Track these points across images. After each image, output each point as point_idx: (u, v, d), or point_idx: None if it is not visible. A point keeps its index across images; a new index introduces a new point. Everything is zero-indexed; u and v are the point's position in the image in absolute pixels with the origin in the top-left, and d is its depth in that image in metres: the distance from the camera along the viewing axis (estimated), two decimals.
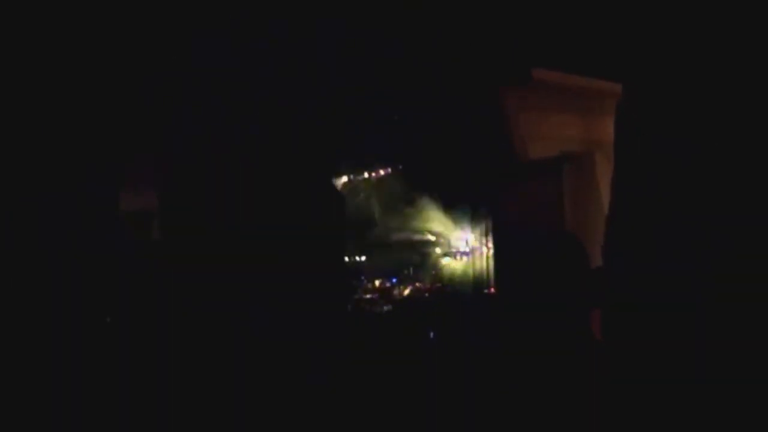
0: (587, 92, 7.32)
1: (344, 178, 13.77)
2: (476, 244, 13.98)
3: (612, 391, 3.68)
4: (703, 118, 4.15)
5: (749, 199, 3.95)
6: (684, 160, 4.15)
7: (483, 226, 13.21)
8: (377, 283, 13.71)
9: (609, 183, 4.84)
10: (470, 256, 14.28)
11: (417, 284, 13.86)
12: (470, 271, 14.11)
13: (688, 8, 4.34)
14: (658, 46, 4.44)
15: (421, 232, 14.75)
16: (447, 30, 6.69)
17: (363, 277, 13.72)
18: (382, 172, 13.92)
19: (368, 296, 12.65)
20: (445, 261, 14.77)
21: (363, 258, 14.67)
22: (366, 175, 14.02)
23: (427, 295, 13.41)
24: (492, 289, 11.27)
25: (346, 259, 14.35)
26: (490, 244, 12.10)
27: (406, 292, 13.57)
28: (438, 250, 14.86)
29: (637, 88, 4.59)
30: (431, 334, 7.55)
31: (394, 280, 13.93)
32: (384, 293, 13.07)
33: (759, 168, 3.95)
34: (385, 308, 11.59)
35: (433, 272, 14.53)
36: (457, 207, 13.78)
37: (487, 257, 12.81)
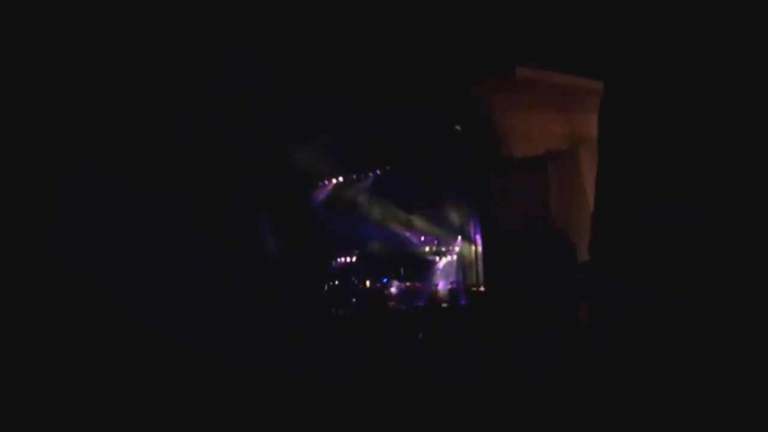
0: (570, 90, 7.42)
1: (333, 180, 13.82)
2: (464, 242, 14.06)
3: (598, 382, 3.75)
4: (683, 114, 4.24)
5: (730, 191, 4.04)
6: (666, 154, 4.23)
7: (471, 224, 13.29)
8: (367, 283, 13.74)
9: (593, 179, 4.91)
10: (458, 254, 14.36)
11: (407, 284, 13.90)
12: (459, 269, 14.20)
13: (666, 8, 4.42)
14: (637, 44, 4.52)
15: (410, 231, 14.81)
16: (431, 30, 6.74)
17: (354, 279, 13.75)
18: (369, 174, 13.97)
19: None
20: (434, 259, 14.84)
21: (353, 259, 14.71)
22: (354, 176, 14.06)
23: (416, 294, 13.47)
24: (481, 287, 11.36)
25: (338, 260, 14.43)
26: (479, 242, 12.20)
27: (394, 290, 13.62)
28: (427, 249, 14.92)
29: (619, 86, 4.67)
30: (420, 335, 7.56)
31: (384, 280, 13.96)
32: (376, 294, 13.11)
33: (738, 162, 4.04)
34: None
35: (423, 271, 14.59)
36: (444, 205, 13.85)
37: (475, 254, 12.90)
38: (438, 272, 14.64)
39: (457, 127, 7.94)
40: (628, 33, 4.53)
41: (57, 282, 4.00)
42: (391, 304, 12.50)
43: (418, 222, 14.60)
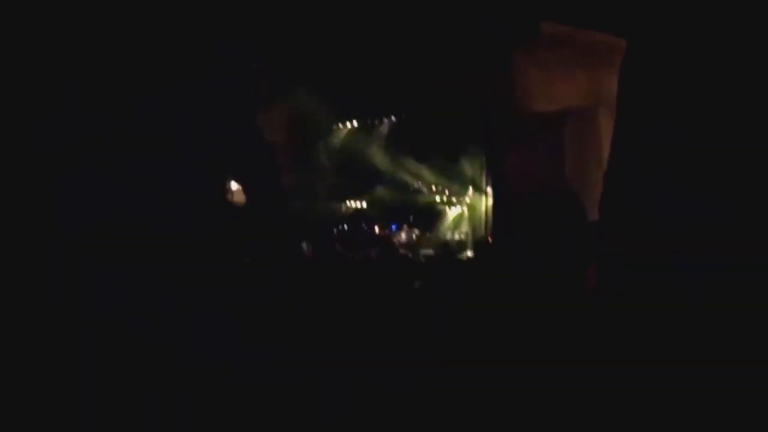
0: (593, 47, 7.33)
1: (347, 125, 13.80)
2: (476, 194, 14.09)
3: (604, 340, 3.82)
4: (705, 76, 4.20)
5: (748, 159, 4.02)
6: (685, 117, 4.21)
7: (483, 176, 13.30)
8: (376, 229, 13.84)
9: (611, 138, 4.90)
10: (469, 206, 14.41)
11: (417, 232, 14.00)
12: (469, 221, 14.27)
13: None
14: (662, 2, 4.45)
15: (422, 180, 14.84)
16: None
17: (363, 224, 13.85)
18: (385, 121, 13.92)
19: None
20: (446, 209, 14.90)
21: (363, 205, 14.79)
22: (369, 122, 14.03)
23: (424, 243, 13.57)
24: (489, 239, 11.42)
25: (347, 204, 14.51)
26: (490, 195, 12.22)
27: (403, 238, 13.73)
28: (438, 199, 14.97)
29: (641, 44, 4.62)
30: (416, 284, 7.58)
31: (393, 227, 14.06)
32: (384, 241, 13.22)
33: (758, 130, 4.02)
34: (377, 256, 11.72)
35: (433, 220, 14.67)
36: (459, 157, 13.84)
37: (486, 207, 12.93)
38: (448, 222, 14.72)
39: None
40: None
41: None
42: (401, 251, 12.62)
43: (431, 171, 14.61)
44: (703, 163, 4.05)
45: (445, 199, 14.93)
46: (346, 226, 13.72)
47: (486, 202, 12.92)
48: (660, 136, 4.23)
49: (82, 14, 4.46)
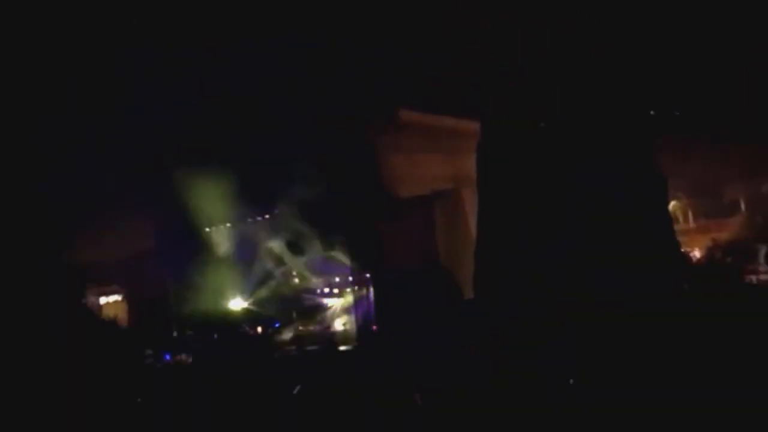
0: (453, 132, 7.71)
1: (222, 227, 13.60)
2: (356, 283, 14.08)
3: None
4: (555, 152, 4.48)
5: (604, 223, 4.28)
6: (539, 190, 4.45)
7: (362, 264, 13.34)
8: (259, 329, 13.49)
9: (476, 217, 5.09)
10: (351, 295, 14.35)
11: (300, 327, 13.74)
12: (352, 310, 14.17)
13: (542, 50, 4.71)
14: (509, 84, 4.77)
15: (302, 274, 14.70)
16: (317, 73, 6.86)
17: (245, 325, 13.48)
18: (258, 219, 13.83)
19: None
20: (327, 301, 14.75)
21: (243, 306, 14.41)
22: (244, 221, 13.88)
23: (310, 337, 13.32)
24: (374, 327, 11.38)
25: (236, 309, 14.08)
26: (370, 282, 12.25)
27: (289, 336, 13.44)
28: (319, 291, 14.83)
29: (493, 126, 4.90)
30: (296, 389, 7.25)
31: (276, 325, 13.77)
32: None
33: (609, 193, 4.30)
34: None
35: (316, 314, 14.47)
36: (334, 248, 13.85)
37: (367, 294, 12.94)
38: (331, 314, 14.55)
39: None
40: (501, 74, 4.78)
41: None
42: (285, 349, 12.33)
43: (310, 265, 14.51)
44: (563, 230, 4.27)
45: (327, 291, 14.79)
46: (226, 329, 13.26)
47: (366, 289, 12.93)
48: (521, 212, 4.44)
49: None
